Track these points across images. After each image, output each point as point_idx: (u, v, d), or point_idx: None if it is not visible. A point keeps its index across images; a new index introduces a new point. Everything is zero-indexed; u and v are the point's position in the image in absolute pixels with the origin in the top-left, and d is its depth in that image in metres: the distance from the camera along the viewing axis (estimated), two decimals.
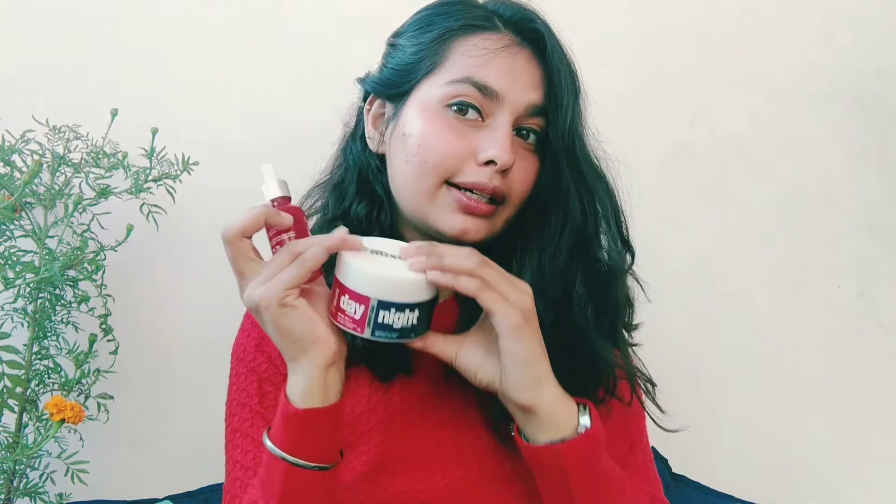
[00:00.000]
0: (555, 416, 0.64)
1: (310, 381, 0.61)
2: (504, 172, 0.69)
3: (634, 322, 0.80)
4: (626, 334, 0.77)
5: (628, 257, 0.77)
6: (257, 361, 0.77)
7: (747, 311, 1.26)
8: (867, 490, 1.25)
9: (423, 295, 0.62)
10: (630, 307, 0.78)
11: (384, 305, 0.60)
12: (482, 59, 0.70)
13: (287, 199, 0.67)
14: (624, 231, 0.76)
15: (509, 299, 0.61)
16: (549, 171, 0.72)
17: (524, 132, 0.72)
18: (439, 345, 0.66)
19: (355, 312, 0.61)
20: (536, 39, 0.72)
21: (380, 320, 0.60)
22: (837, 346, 1.27)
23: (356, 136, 0.81)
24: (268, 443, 0.63)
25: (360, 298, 0.60)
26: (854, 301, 1.27)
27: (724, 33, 1.27)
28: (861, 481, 1.25)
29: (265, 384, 0.76)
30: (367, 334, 0.61)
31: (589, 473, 0.64)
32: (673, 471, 1.16)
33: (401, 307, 0.61)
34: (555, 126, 0.70)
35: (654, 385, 0.78)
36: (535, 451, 0.64)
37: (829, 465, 1.25)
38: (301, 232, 0.66)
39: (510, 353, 0.62)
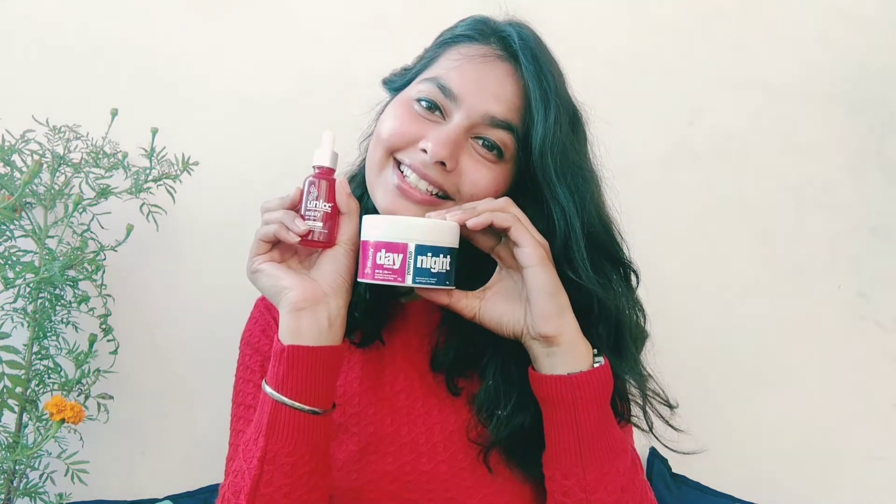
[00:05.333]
0: (576, 346, 0.69)
1: (286, 323, 0.69)
2: (444, 167, 0.72)
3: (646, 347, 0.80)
4: (636, 353, 0.77)
5: (633, 278, 0.79)
6: (261, 343, 0.84)
7: (747, 310, 1.26)
8: (866, 490, 1.25)
9: (453, 241, 0.69)
10: (634, 325, 0.78)
11: (421, 250, 0.66)
12: (456, 62, 0.75)
13: (330, 170, 0.72)
14: (617, 251, 0.77)
15: (534, 237, 0.69)
16: (527, 186, 0.75)
17: (488, 143, 0.74)
18: (463, 301, 0.72)
19: (394, 263, 0.67)
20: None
21: (419, 265, 0.66)
22: (837, 346, 1.26)
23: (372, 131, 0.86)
24: (264, 384, 0.70)
25: (398, 247, 0.67)
26: (854, 301, 1.27)
27: (723, 33, 1.27)
28: (860, 481, 1.25)
29: (268, 362, 0.80)
30: (408, 282, 0.67)
31: (597, 410, 0.69)
32: (673, 471, 1.17)
33: (436, 251, 0.67)
34: (526, 142, 0.73)
35: (672, 407, 0.78)
36: (552, 380, 0.69)
37: (828, 465, 1.25)
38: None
39: (538, 283, 0.68)
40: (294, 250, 0.74)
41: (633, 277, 0.79)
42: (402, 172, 0.73)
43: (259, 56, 1.17)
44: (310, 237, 0.70)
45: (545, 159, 0.71)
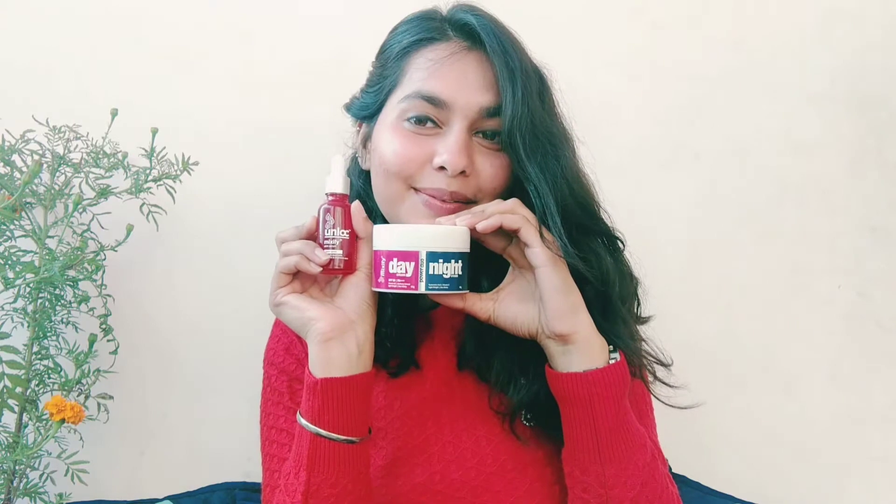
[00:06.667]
0: (590, 344, 0.70)
1: (316, 354, 0.69)
2: (463, 174, 0.72)
3: (642, 312, 0.82)
4: (627, 313, 0.78)
5: (619, 244, 0.78)
6: (286, 363, 0.83)
7: (747, 310, 1.26)
8: (867, 490, 1.25)
9: (464, 245, 0.69)
10: (625, 283, 0.78)
11: (433, 257, 0.67)
12: (430, 70, 0.73)
13: (344, 196, 0.72)
14: (595, 224, 0.76)
15: (544, 236, 0.69)
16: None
17: (489, 133, 0.74)
18: (478, 304, 0.73)
19: (406, 271, 0.68)
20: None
21: (431, 272, 0.67)
22: (837, 346, 1.26)
23: (354, 157, 0.86)
24: (299, 417, 0.70)
25: (409, 255, 0.67)
26: (854, 301, 1.27)
27: (723, 33, 1.27)
28: (861, 481, 1.25)
29: (295, 383, 0.82)
30: (421, 289, 0.68)
31: (614, 407, 0.69)
32: (673, 471, 1.16)
33: (447, 257, 0.68)
34: (501, 125, 0.72)
35: (666, 366, 0.80)
36: (568, 378, 0.69)
37: (828, 465, 1.25)
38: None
39: (550, 282, 0.69)
40: (314, 279, 0.73)
41: (619, 244, 0.78)
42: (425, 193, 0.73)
43: (261, 55, 1.17)
44: (330, 265, 0.70)
45: (514, 139, 0.71)
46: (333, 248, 0.70)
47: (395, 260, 0.68)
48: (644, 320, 0.81)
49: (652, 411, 0.83)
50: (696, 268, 1.26)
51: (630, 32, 1.26)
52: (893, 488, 1.25)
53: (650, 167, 1.25)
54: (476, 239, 0.71)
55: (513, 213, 0.69)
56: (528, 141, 0.71)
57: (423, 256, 0.67)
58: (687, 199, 1.26)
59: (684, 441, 1.08)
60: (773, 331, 1.26)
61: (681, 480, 1.15)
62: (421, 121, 0.73)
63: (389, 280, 0.68)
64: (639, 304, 0.81)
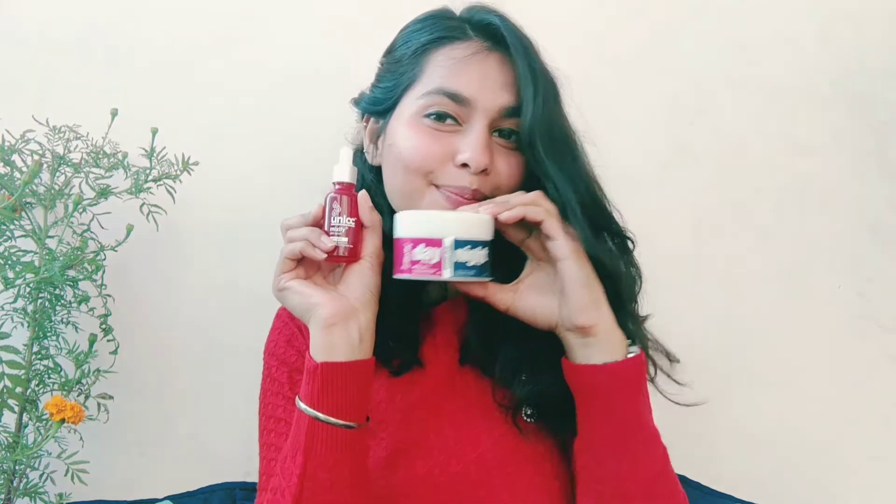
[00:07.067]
0: (611, 336, 0.70)
1: (317, 339, 0.69)
2: (484, 172, 0.73)
3: (639, 312, 0.82)
4: (636, 310, 0.79)
5: (629, 243, 0.79)
6: (287, 354, 0.84)
7: (747, 311, 1.26)
8: (866, 490, 1.25)
9: (488, 234, 0.70)
10: (634, 281, 0.80)
11: (459, 244, 0.68)
12: (452, 68, 0.74)
13: (351, 185, 0.73)
14: (609, 223, 0.77)
15: (566, 229, 0.70)
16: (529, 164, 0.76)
17: (505, 132, 0.75)
18: (498, 294, 0.73)
19: (432, 258, 0.68)
20: (507, 42, 0.75)
21: (457, 259, 0.67)
22: (837, 346, 1.26)
23: (360, 152, 0.86)
24: (298, 401, 0.70)
25: (436, 242, 0.68)
26: (854, 301, 1.27)
27: (724, 33, 1.27)
28: (860, 481, 1.25)
29: (295, 374, 0.82)
30: (446, 276, 0.68)
31: (632, 400, 0.70)
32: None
33: (473, 244, 0.68)
34: (521, 125, 0.74)
35: (673, 360, 0.80)
36: (587, 370, 0.70)
37: (828, 465, 1.25)
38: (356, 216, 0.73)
39: (572, 274, 0.69)
40: (317, 266, 0.74)
41: (629, 243, 0.79)
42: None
43: (260, 56, 1.17)
44: (335, 253, 0.70)
45: (533, 139, 0.72)
46: (339, 236, 0.71)
47: (423, 245, 0.68)
48: (642, 319, 0.81)
49: (651, 412, 0.83)
50: (695, 268, 1.25)
51: (630, 32, 1.26)
52: (893, 488, 1.25)
53: (650, 167, 1.25)
54: (496, 229, 0.72)
55: (536, 206, 0.70)
56: (545, 141, 0.72)
57: (448, 243, 0.68)
58: (687, 200, 1.26)
59: (684, 441, 1.08)
60: (772, 331, 1.26)
61: (681, 480, 1.15)
62: (441, 117, 0.74)
63: (414, 266, 0.68)
64: (636, 304, 0.82)
